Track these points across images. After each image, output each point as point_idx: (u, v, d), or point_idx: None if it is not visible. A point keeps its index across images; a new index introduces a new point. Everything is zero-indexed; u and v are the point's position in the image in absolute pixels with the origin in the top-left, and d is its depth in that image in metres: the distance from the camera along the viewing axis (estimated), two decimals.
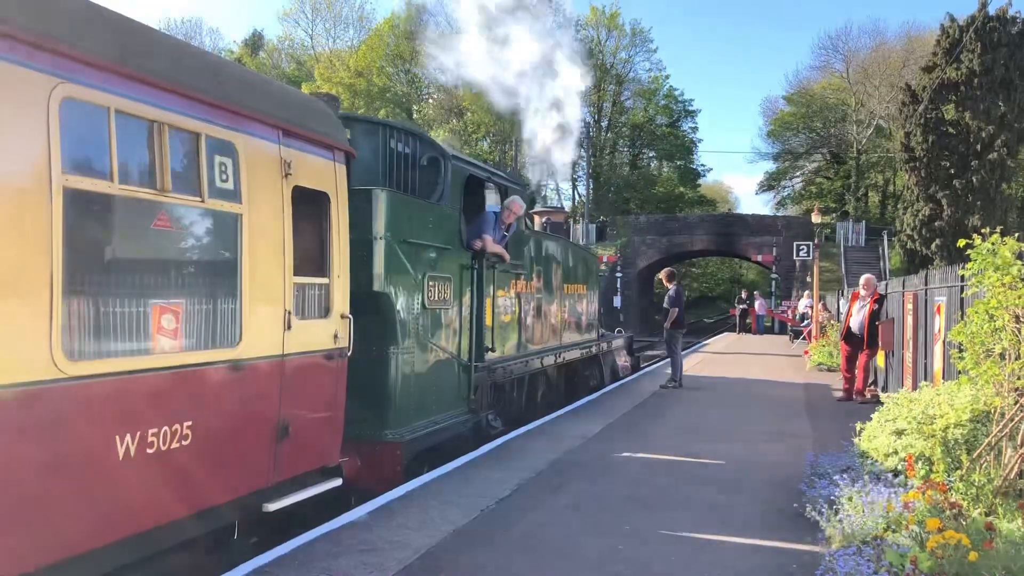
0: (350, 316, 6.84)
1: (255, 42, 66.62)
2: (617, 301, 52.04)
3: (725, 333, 42.17)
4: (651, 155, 72.87)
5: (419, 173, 9.22)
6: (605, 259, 54.15)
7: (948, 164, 38.10)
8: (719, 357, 25.39)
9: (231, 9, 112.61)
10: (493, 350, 10.13)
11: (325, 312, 6.63)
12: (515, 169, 61.62)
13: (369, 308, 7.60)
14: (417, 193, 9.04)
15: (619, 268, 53.22)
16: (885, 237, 46.21)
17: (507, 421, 10.98)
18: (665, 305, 16.32)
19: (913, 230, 40.20)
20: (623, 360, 17.99)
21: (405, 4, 63.60)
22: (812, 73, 69.24)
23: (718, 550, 6.20)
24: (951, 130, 38.35)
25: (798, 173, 74.45)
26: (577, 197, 70.52)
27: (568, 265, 13.91)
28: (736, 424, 12.17)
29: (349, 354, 6.84)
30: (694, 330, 42.72)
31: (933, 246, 38.53)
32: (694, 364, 21.64)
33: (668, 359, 17.54)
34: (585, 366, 15.30)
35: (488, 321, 10.00)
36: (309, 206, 6.46)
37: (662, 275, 16.84)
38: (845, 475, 6.81)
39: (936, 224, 38.56)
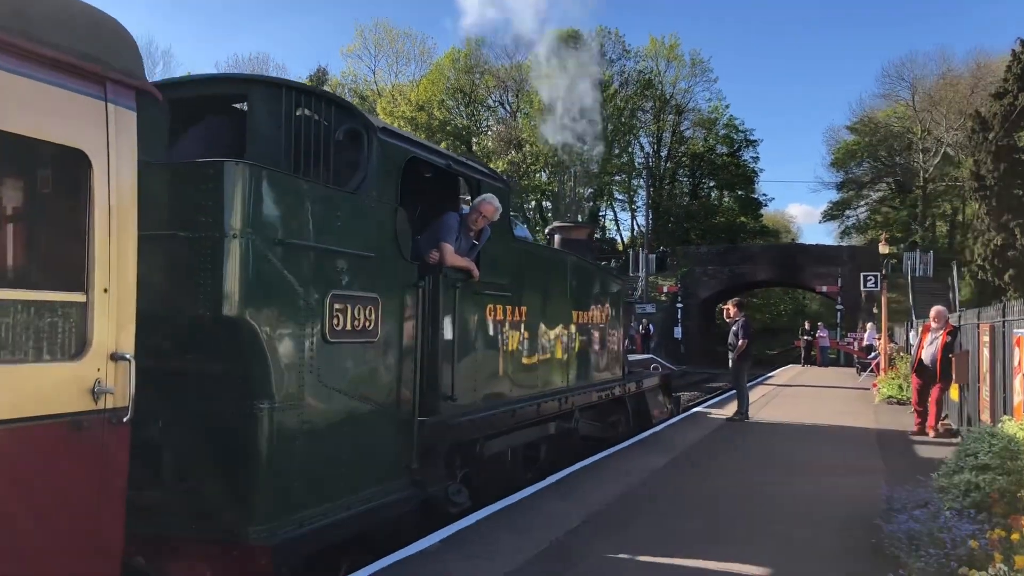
0: (131, 357, 4.17)
1: (320, 77, 67.16)
2: (678, 332, 50.90)
3: (789, 365, 40.17)
4: (711, 185, 71.57)
5: (334, 152, 6.61)
6: (666, 290, 53.53)
7: (1021, 192, 37.19)
8: (784, 390, 24.30)
9: (297, 46, 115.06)
10: (454, 399, 7.37)
11: (75, 350, 3.98)
12: (574, 200, 61.80)
13: (217, 343, 5.26)
14: (332, 179, 6.48)
15: (680, 299, 52.62)
16: (954, 267, 45.10)
17: (489, 491, 8.39)
18: (732, 338, 15.64)
19: (984, 260, 38.70)
20: (655, 409, 14.74)
21: (465, 39, 64.25)
22: (876, 101, 67.63)
23: None
24: None
25: (862, 202, 72.75)
26: (636, 227, 69.97)
27: (581, 288, 11.03)
28: (805, 457, 11.73)
29: (128, 418, 4.17)
30: (757, 362, 41.53)
31: (1006, 276, 36.88)
32: (759, 396, 20.64)
33: (723, 394, 16.79)
34: (606, 411, 12.38)
35: (447, 360, 7.33)
36: (41, 170, 4.15)
37: (729, 305, 16.40)
38: (924, 510, 6.55)
39: (1009, 254, 37.04)
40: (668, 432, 14.02)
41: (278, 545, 5.34)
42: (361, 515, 6.21)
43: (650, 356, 39.66)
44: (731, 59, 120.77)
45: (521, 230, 10.40)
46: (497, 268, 8.42)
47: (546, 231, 12.37)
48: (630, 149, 66.25)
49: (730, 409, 16.79)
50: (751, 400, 16.80)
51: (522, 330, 9.01)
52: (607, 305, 12.19)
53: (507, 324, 8.63)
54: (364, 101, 64.58)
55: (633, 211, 70.04)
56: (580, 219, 63.58)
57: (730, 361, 16.09)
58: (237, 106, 7.31)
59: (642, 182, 62.10)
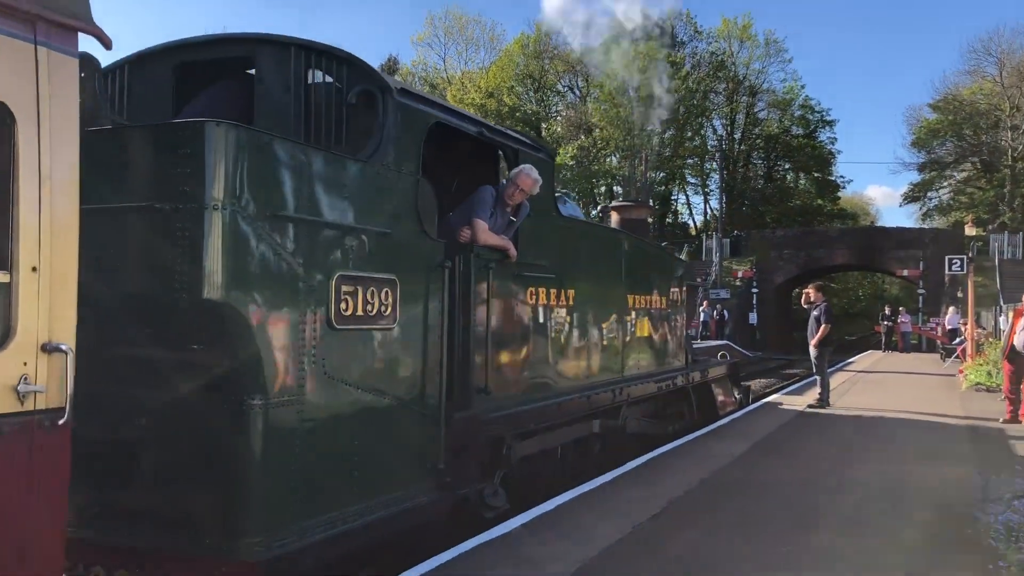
0: (68, 349, 3.42)
1: (391, 67, 66.76)
2: (753, 318, 49.44)
3: (869, 351, 38.62)
4: (787, 167, 69.54)
5: (348, 117, 5.87)
6: (740, 275, 52.11)
7: None
8: (865, 376, 23.40)
9: (368, 35, 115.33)
10: (488, 392, 6.63)
11: None
12: (645, 184, 60.46)
13: (198, 331, 4.57)
14: (346, 147, 5.74)
15: (755, 284, 51.17)
16: None
17: (530, 493, 7.66)
18: (812, 323, 15.10)
19: None
20: (722, 394, 13.71)
21: (535, 24, 63.34)
22: (960, 78, 64.46)
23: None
24: None
25: (945, 183, 69.86)
26: (709, 211, 68.34)
27: (637, 270, 10.09)
28: (889, 445, 11.30)
29: (66, 420, 3.42)
30: (836, 348, 40.48)
31: None
32: (839, 383, 19.79)
33: (800, 381, 15.78)
34: (667, 403, 11.47)
35: (480, 349, 6.61)
36: None
37: (810, 289, 15.76)
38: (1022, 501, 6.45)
39: None
40: (742, 422, 13.32)
41: (272, 560, 4.65)
42: (378, 522, 5.50)
43: (725, 342, 38.72)
44: (806, 38, 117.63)
45: (571, 208, 9.55)
46: (539, 247, 7.63)
47: (598, 210, 11.27)
48: (703, 132, 64.61)
49: (807, 397, 16.14)
50: (831, 387, 16.14)
51: (568, 316, 8.21)
52: (667, 288, 11.27)
53: (551, 309, 7.84)
54: (434, 89, 64.22)
55: (706, 195, 68.40)
56: (652, 203, 62.44)
57: (810, 347, 15.38)
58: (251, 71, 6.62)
59: (715, 165, 60.52)
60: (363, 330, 5.42)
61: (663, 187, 64.97)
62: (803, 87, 67.43)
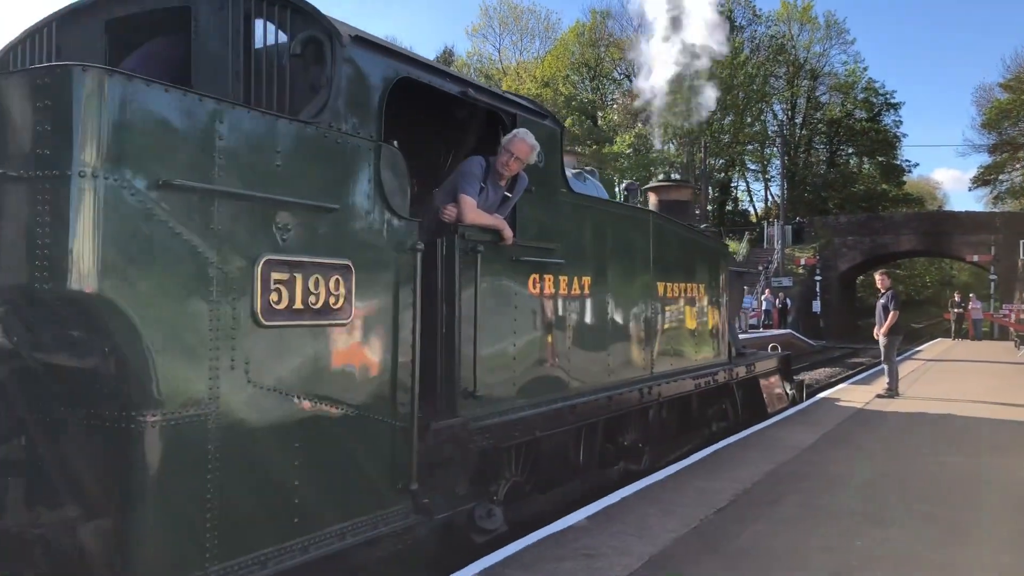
0: None
1: (446, 58, 66.04)
2: (816, 306, 47.86)
3: (939, 339, 36.99)
4: (850, 151, 67.00)
5: (292, 71, 4.78)
6: (803, 262, 50.35)
7: None
8: (935, 365, 22.19)
9: (424, 27, 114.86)
10: (477, 395, 5.61)
11: None
12: (704, 171, 58.63)
13: (69, 330, 3.69)
14: (291, 106, 4.67)
15: (818, 271, 49.35)
16: None
17: (535, 510, 6.66)
18: (880, 310, 14.44)
19: None
20: (774, 387, 12.36)
21: (590, 12, 62.05)
22: None
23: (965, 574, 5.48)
24: None
25: (1018, 165, 67.04)
26: (771, 198, 66.32)
27: (669, 255, 8.84)
28: (965, 436, 10.68)
29: None
30: (904, 336, 38.75)
31: None
32: (908, 372, 18.94)
33: (867, 371, 14.47)
34: (707, 402, 10.22)
35: (467, 345, 5.57)
36: None
37: (878, 276, 15.10)
38: None
39: None
40: (808, 412, 12.48)
41: None
42: (325, 559, 4.48)
43: (787, 331, 37.28)
44: (869, 18, 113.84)
45: (591, 186, 8.39)
46: (544, 227, 6.57)
47: (623, 187, 10.11)
48: (763, 117, 62.53)
49: (875, 387, 15.41)
50: (900, 376, 15.38)
51: (583, 306, 7.10)
52: (706, 275, 10.05)
53: (559, 298, 6.75)
54: (489, 80, 63.35)
55: (767, 181, 66.30)
56: (711, 193, 60.74)
57: (877, 335, 14.72)
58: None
59: (776, 151, 58.54)
60: (303, 327, 4.39)
61: (722, 174, 63.12)
62: (866, 69, 64.90)
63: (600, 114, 61.62)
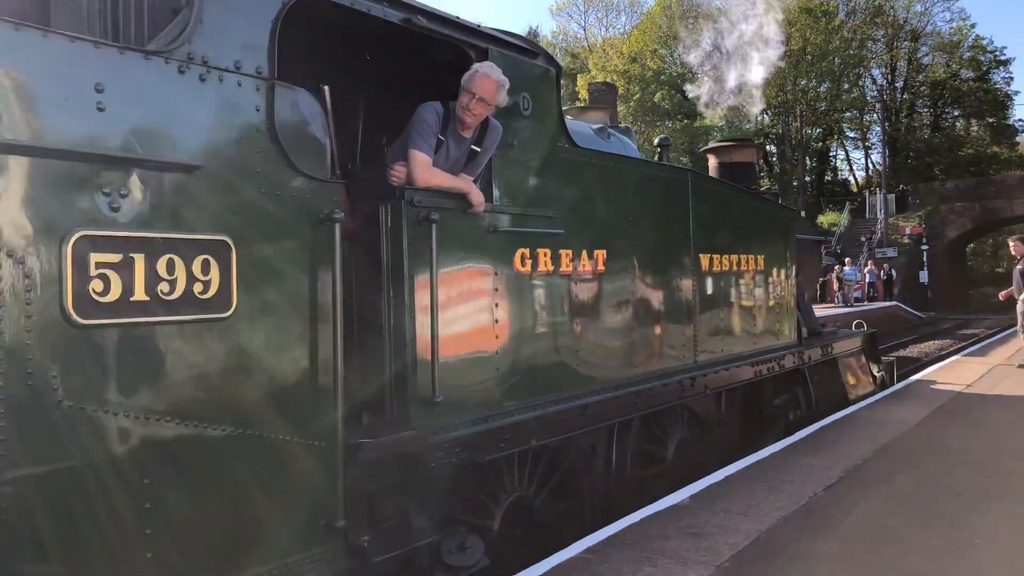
0: None
1: (531, 38, 65.28)
2: (923, 276, 45.20)
3: None
4: (956, 114, 62.96)
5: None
6: (908, 231, 47.61)
7: None
8: None
9: (508, 8, 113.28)
10: (438, 401, 4.40)
11: None
12: (800, 141, 55.84)
13: None
14: (147, 35, 3.50)
15: (924, 240, 46.43)
16: None
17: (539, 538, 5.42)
18: (1018, 277, 13.42)
19: None
20: (857, 370, 10.76)
21: None
22: None
23: None
24: None
25: None
26: (871, 166, 62.90)
27: (717, 223, 7.44)
28: None
29: None
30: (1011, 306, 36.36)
31: None
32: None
33: (980, 342, 12.64)
34: (772, 390, 8.73)
35: (423, 341, 4.37)
36: None
37: (1012, 242, 14.16)
38: None
39: None
40: (920, 385, 11.54)
41: None
42: None
43: (894, 303, 35.07)
44: None
45: (619, 146, 7.04)
46: (536, 190, 5.28)
47: (656, 142, 8.48)
48: (861, 83, 59.11)
49: (992, 358, 14.36)
50: (1016, 347, 14.47)
51: (596, 285, 5.78)
52: (768, 245, 8.51)
53: (561, 277, 5.45)
54: (575, 59, 61.86)
55: (867, 149, 62.82)
56: (808, 163, 57.94)
57: (1020, 302, 13.57)
58: None
59: (876, 117, 55.34)
60: (149, 325, 3.23)
61: (820, 143, 60.09)
62: (973, 26, 60.63)
63: (689, 87, 59.35)
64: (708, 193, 7.28)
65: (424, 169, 4.45)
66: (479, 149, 4.71)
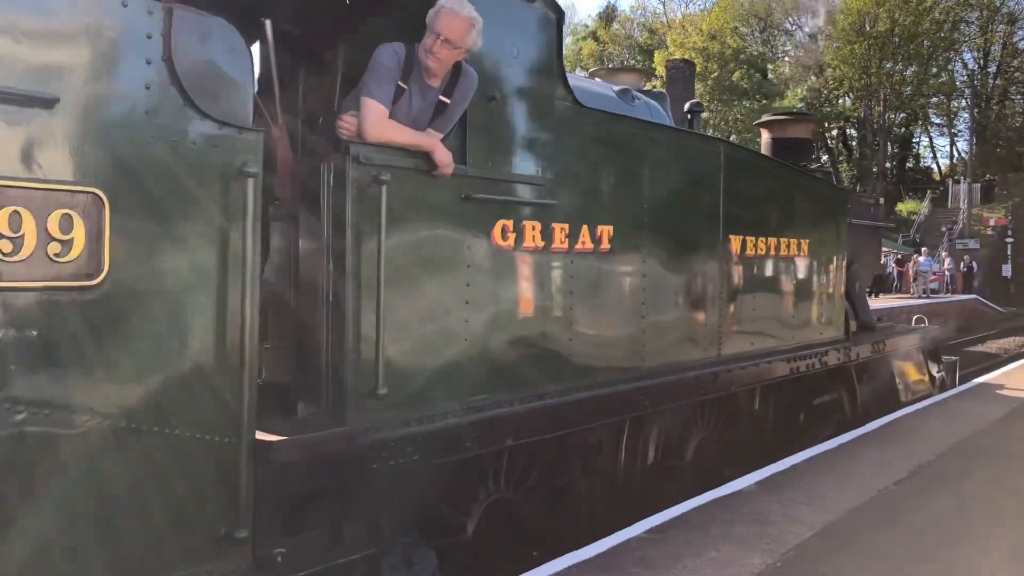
0: None
1: (609, 14, 63.64)
2: (1006, 270, 43.06)
3: None
4: None
5: None
6: (992, 223, 45.54)
7: None
8: None
9: None
10: (380, 393, 3.70)
11: None
12: (882, 126, 53.40)
13: None
14: None
15: (1010, 233, 44.22)
16: None
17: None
18: None
19: None
20: (913, 370, 9.77)
21: None
22: None
23: None
24: None
25: None
26: (957, 154, 60.16)
27: (754, 200, 6.61)
28: None
29: None
30: None
31: None
32: None
33: None
34: (812, 389, 7.85)
35: (367, 322, 3.69)
36: None
37: None
38: None
39: None
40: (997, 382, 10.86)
41: None
42: None
43: (973, 297, 33.45)
44: None
45: (644, 110, 6.24)
46: (524, 152, 4.54)
47: (686, 107, 7.51)
48: (950, 67, 56.41)
49: None
50: None
51: (598, 265, 5.03)
52: (814, 228, 7.58)
53: (553, 254, 4.70)
54: (653, 35, 60.44)
55: (953, 136, 60.04)
56: (890, 149, 55.70)
57: None
58: None
59: (964, 103, 52.75)
60: None
61: (903, 129, 57.62)
62: None
63: (770, 67, 57.58)
64: (744, 167, 6.42)
65: (377, 121, 3.76)
66: (448, 101, 3.99)
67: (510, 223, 4.39)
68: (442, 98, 3.98)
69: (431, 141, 3.92)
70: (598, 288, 5.02)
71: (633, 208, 5.29)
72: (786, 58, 58.29)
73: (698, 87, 49.85)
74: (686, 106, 7.00)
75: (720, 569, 4.50)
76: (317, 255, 3.73)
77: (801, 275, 7.21)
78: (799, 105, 51.42)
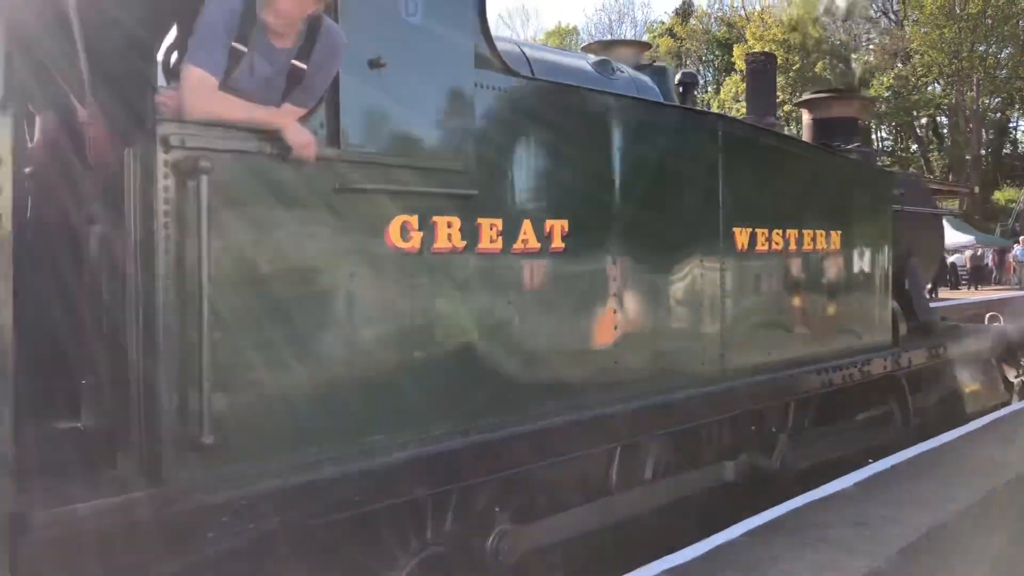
0: None
1: (685, 10, 62.07)
2: None
3: None
4: None
5: None
6: None
7: None
8: None
9: None
10: (206, 442, 2.79)
11: None
12: (976, 112, 50.23)
13: None
14: None
15: None
16: None
17: None
18: None
19: None
20: (984, 377, 8.31)
21: None
22: None
23: None
24: None
25: None
26: None
27: (766, 186, 5.58)
28: None
29: None
30: None
31: None
32: None
33: None
34: (852, 403, 6.71)
35: (190, 351, 2.81)
36: None
37: None
38: None
39: None
40: None
41: None
42: None
43: None
44: None
45: (627, 83, 5.22)
46: (432, 131, 3.63)
47: (677, 78, 6.24)
48: None
49: None
50: None
51: (552, 268, 4.07)
52: (847, 218, 6.39)
53: (482, 257, 3.76)
54: (731, 28, 58.69)
55: None
56: (985, 135, 52.69)
57: None
58: None
59: None
60: None
61: (998, 114, 54.43)
62: None
63: (854, 56, 55.21)
64: (751, 147, 5.34)
65: (202, 93, 2.89)
66: (304, 66, 3.08)
67: (413, 220, 3.46)
68: (296, 63, 3.08)
69: (279, 117, 3.04)
70: (549, 297, 4.05)
71: (598, 197, 4.31)
72: (870, 46, 55.79)
73: (780, 79, 47.93)
74: (676, 78, 5.90)
75: (820, 572, 4.34)
76: (126, 266, 2.87)
77: (832, 272, 6.06)
78: (885, 94, 49.22)
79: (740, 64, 47.32)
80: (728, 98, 54.58)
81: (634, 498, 4.69)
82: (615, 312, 4.37)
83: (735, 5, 61.96)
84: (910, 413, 6.99)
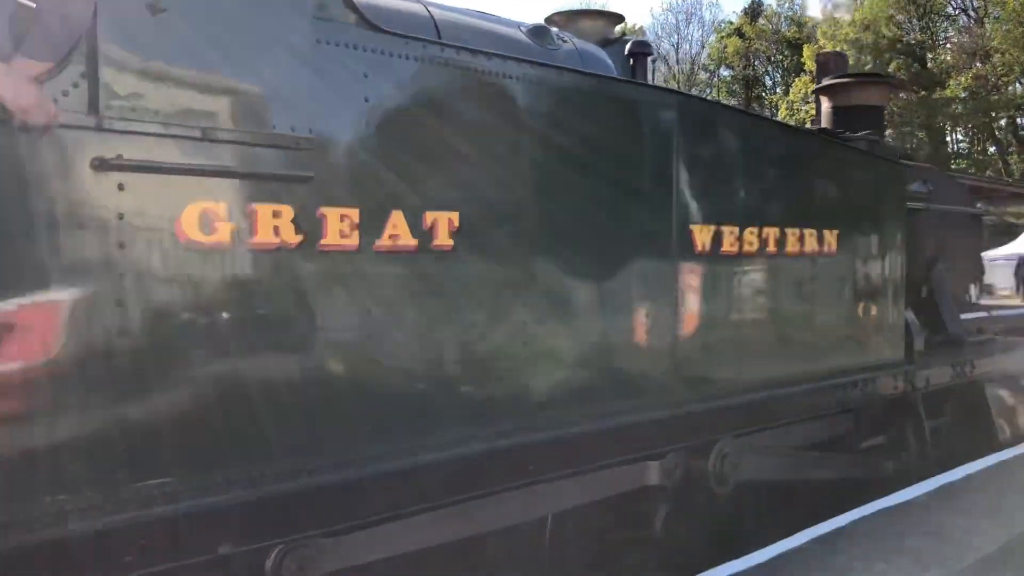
0: None
1: (754, 10, 60.42)
2: None
3: None
4: None
5: None
6: None
7: None
8: None
9: None
10: None
11: None
12: None
13: None
14: None
15: None
16: None
17: None
18: None
19: None
20: (1009, 401, 7.13)
21: None
22: None
23: None
24: None
25: None
26: None
27: (739, 176, 4.62)
28: None
29: None
30: None
31: None
32: None
33: None
34: (852, 431, 5.80)
35: None
36: None
37: None
38: None
39: None
40: None
41: None
42: None
43: None
44: None
45: (572, 55, 4.41)
46: (234, 88, 2.85)
47: (628, 47, 5.26)
48: None
49: None
50: None
51: (437, 273, 3.32)
52: (846, 216, 5.41)
53: (326, 258, 3.00)
54: (801, 28, 57.05)
55: None
56: None
57: None
58: None
59: None
60: None
61: None
62: None
63: (930, 56, 53.06)
64: (716, 130, 4.44)
65: None
66: (32, 4, 2.35)
67: (219, 208, 2.72)
68: (23, 1, 2.35)
69: None
70: (431, 310, 3.25)
71: (507, 186, 3.51)
72: (947, 45, 53.52)
73: None
74: (627, 48, 4.99)
75: None
76: None
77: (827, 278, 5.12)
78: (962, 95, 47.25)
79: (810, 64, 45.70)
80: (797, 99, 53.05)
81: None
82: (524, 323, 3.56)
83: (806, 3, 60.31)
84: (926, 440, 5.95)
